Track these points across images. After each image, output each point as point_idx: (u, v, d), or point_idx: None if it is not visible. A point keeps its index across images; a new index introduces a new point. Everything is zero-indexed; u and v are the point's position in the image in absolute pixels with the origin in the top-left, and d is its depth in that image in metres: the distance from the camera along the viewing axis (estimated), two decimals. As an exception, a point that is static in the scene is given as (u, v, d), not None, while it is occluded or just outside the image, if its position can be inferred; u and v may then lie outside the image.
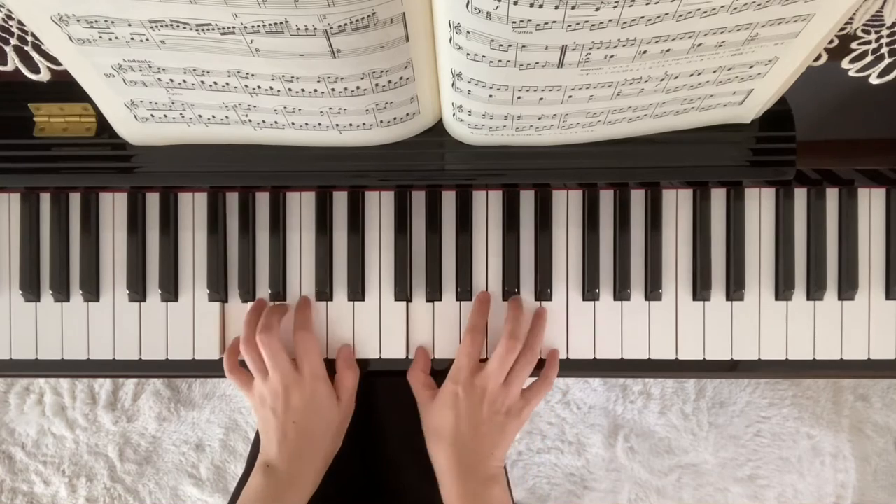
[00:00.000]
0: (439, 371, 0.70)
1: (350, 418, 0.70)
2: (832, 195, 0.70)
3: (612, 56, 0.49)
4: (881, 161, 0.67)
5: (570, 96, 0.54)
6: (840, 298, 0.70)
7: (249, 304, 0.70)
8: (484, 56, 0.48)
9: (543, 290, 0.70)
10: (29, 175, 0.66)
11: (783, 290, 0.69)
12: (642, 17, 0.45)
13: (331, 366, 0.69)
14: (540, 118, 0.57)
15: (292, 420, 0.65)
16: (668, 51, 0.49)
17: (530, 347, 0.67)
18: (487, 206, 0.71)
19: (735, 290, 0.69)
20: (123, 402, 1.43)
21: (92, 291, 0.70)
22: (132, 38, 0.49)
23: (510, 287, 0.70)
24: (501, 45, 0.47)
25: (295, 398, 0.65)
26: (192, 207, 0.71)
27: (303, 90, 0.53)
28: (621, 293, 0.70)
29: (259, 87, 0.53)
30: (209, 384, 1.44)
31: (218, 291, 0.70)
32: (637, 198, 0.70)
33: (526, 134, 0.60)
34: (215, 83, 0.53)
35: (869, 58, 0.59)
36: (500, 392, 0.65)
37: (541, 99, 0.54)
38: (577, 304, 0.70)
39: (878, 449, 1.41)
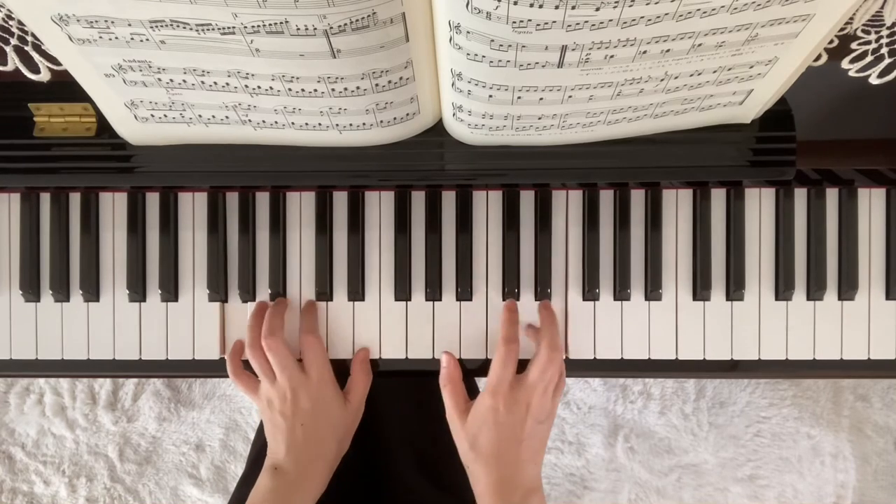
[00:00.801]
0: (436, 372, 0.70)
1: (359, 421, 0.70)
2: (832, 195, 0.70)
3: (612, 56, 0.49)
4: (881, 161, 0.67)
5: (570, 96, 0.54)
6: (840, 298, 0.70)
7: (249, 304, 0.70)
8: (484, 56, 0.48)
9: (543, 290, 0.70)
10: (29, 175, 0.66)
11: (783, 290, 0.69)
12: (642, 18, 0.45)
13: (335, 366, 0.69)
14: (540, 118, 0.57)
15: (300, 422, 0.65)
16: (668, 51, 0.49)
17: (557, 349, 0.67)
18: (487, 206, 0.71)
19: (735, 290, 0.69)
20: (123, 402, 1.43)
21: (92, 291, 0.70)
22: (132, 39, 0.49)
23: (510, 287, 0.70)
24: (501, 46, 0.47)
25: (303, 400, 0.65)
26: (192, 207, 0.71)
27: (303, 90, 0.53)
28: (621, 293, 0.70)
29: (259, 87, 0.53)
30: (209, 384, 1.44)
31: (218, 291, 0.70)
32: (637, 198, 0.70)
33: (526, 134, 0.60)
34: (215, 83, 0.53)
35: (869, 58, 0.59)
36: (541, 404, 0.64)
37: (541, 99, 0.54)
38: (577, 304, 0.70)
39: (878, 449, 1.41)
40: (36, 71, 0.60)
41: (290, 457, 0.65)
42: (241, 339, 0.70)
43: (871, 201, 0.70)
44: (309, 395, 0.66)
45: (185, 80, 0.53)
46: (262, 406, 0.67)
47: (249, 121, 0.58)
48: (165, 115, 0.58)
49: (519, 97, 0.54)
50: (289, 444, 0.65)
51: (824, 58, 0.59)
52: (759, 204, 0.70)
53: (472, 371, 0.70)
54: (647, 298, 0.70)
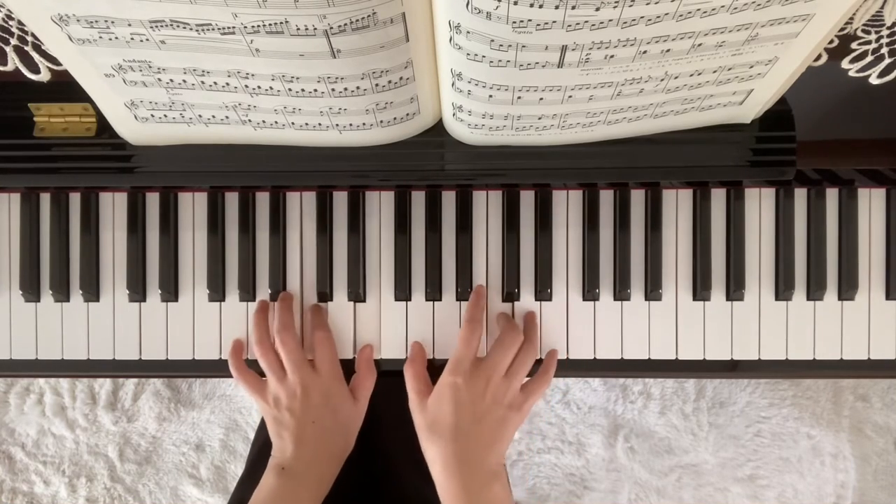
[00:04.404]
0: (438, 367, 0.70)
1: (363, 420, 0.70)
2: (832, 195, 0.70)
3: (612, 56, 0.49)
4: (881, 161, 0.67)
5: (570, 96, 0.54)
6: (840, 298, 0.70)
7: (250, 304, 0.70)
8: (484, 56, 0.49)
9: (543, 290, 0.70)
10: (29, 175, 0.66)
11: (783, 290, 0.69)
12: (642, 17, 0.45)
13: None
14: (540, 118, 0.57)
15: (311, 420, 0.65)
16: (668, 51, 0.49)
17: (529, 340, 0.67)
18: (487, 206, 0.71)
19: (735, 290, 0.69)
20: (123, 402, 1.43)
21: (92, 291, 0.70)
22: (132, 39, 0.49)
23: (510, 287, 0.70)
24: (501, 46, 0.47)
25: (315, 397, 0.65)
26: (192, 207, 0.71)
27: (303, 90, 0.53)
28: (621, 293, 0.70)
29: (259, 87, 0.53)
30: (209, 384, 1.44)
31: (218, 291, 0.70)
32: (637, 198, 0.70)
33: (526, 134, 0.60)
34: (215, 83, 0.53)
35: (869, 58, 0.59)
36: (502, 384, 0.64)
37: (541, 99, 0.54)
38: (577, 304, 0.70)
39: (878, 449, 1.41)
40: (36, 71, 0.60)
41: (299, 455, 0.64)
42: (239, 337, 0.70)
43: (871, 201, 0.70)
44: (320, 393, 0.65)
45: (185, 80, 0.53)
46: (266, 405, 0.67)
47: (249, 121, 0.58)
48: (165, 115, 0.58)
49: (519, 97, 0.54)
50: (297, 442, 0.64)
51: (824, 58, 0.59)
52: (759, 204, 0.70)
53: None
54: (647, 298, 0.70)
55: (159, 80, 0.53)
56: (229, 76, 0.52)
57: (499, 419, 0.64)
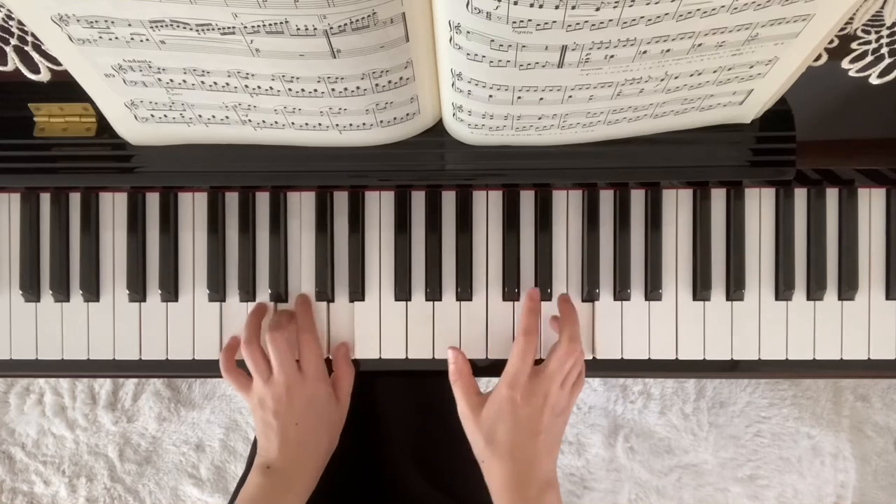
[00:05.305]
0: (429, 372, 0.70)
1: (345, 416, 0.70)
2: (832, 195, 0.70)
3: (612, 56, 0.49)
4: (881, 161, 0.67)
5: (570, 96, 0.54)
6: (840, 298, 0.70)
7: (250, 305, 0.70)
8: (484, 56, 0.49)
9: (543, 291, 0.70)
10: (29, 175, 0.66)
11: (783, 290, 0.69)
12: (642, 17, 0.45)
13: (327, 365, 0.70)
14: (540, 118, 0.57)
15: (294, 422, 0.65)
16: (668, 51, 0.49)
17: (578, 345, 0.66)
18: (487, 206, 0.71)
19: (735, 290, 0.69)
20: (123, 402, 1.43)
21: (92, 291, 0.70)
22: (132, 38, 0.49)
23: (510, 287, 0.70)
24: (501, 46, 0.47)
25: (298, 400, 0.65)
26: (192, 207, 0.71)
27: (303, 90, 0.53)
28: (621, 293, 0.70)
29: (259, 87, 0.53)
30: (209, 384, 1.44)
31: (218, 291, 0.70)
32: (637, 198, 0.70)
33: (526, 134, 0.60)
34: (215, 83, 0.53)
35: (869, 58, 0.59)
36: (559, 395, 0.63)
37: (541, 99, 0.54)
38: (576, 305, 0.70)
39: (878, 449, 1.41)
40: (36, 71, 0.60)
41: (283, 456, 0.65)
42: (236, 335, 0.70)
43: (871, 201, 0.70)
44: (304, 394, 0.66)
45: (185, 80, 0.53)
46: (253, 405, 0.67)
47: (249, 121, 0.58)
48: (165, 115, 0.58)
49: (519, 97, 0.54)
50: (281, 443, 0.65)
51: (824, 58, 0.59)
52: (759, 204, 0.70)
53: (473, 372, 0.70)
54: (647, 298, 0.70)
55: (159, 80, 0.53)
56: (229, 76, 0.52)
57: (554, 431, 0.64)
